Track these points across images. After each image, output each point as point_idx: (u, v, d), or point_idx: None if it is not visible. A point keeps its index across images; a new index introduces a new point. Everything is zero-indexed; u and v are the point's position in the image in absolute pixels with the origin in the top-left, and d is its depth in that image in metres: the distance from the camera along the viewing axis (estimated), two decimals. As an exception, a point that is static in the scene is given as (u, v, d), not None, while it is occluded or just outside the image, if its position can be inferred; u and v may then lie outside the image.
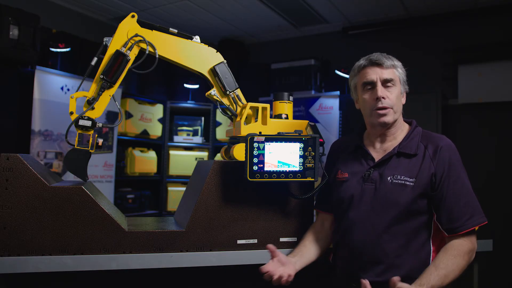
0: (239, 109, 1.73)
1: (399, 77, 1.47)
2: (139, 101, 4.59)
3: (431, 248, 1.39)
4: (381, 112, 1.43)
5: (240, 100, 1.73)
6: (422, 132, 1.49)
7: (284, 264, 1.39)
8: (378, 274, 1.38)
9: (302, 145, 1.44)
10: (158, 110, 4.80)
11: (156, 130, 4.78)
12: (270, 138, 1.43)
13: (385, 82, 1.44)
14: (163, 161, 4.86)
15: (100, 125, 1.58)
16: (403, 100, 1.51)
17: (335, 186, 1.54)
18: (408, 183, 1.38)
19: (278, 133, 1.48)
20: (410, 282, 1.30)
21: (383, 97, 1.42)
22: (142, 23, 1.61)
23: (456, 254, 1.32)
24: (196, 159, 4.94)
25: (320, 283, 1.53)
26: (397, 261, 1.36)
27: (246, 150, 1.41)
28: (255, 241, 1.56)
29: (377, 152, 1.50)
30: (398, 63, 1.49)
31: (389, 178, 1.41)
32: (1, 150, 1.40)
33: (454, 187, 1.37)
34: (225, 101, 1.72)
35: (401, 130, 1.50)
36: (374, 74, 1.44)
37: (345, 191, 1.49)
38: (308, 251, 1.51)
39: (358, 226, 1.43)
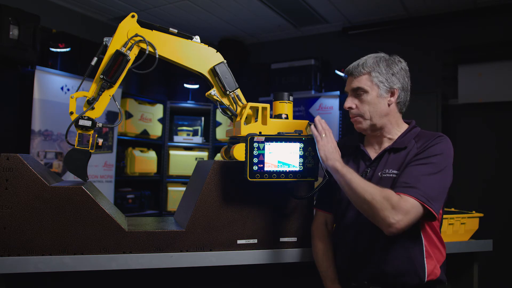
0: (239, 109, 1.73)
1: (374, 81, 1.45)
2: (139, 101, 4.59)
3: (422, 238, 1.38)
4: (352, 120, 1.50)
5: (240, 100, 1.73)
6: (419, 132, 1.49)
7: None
8: (376, 272, 1.38)
9: (302, 145, 1.44)
10: (158, 110, 4.80)
11: (156, 130, 4.78)
12: (270, 138, 1.42)
13: (354, 92, 1.48)
14: (163, 161, 4.86)
15: (100, 125, 1.58)
16: (393, 99, 1.46)
17: (335, 186, 1.55)
18: (394, 175, 1.39)
19: (278, 133, 1.48)
20: (405, 277, 1.34)
21: (349, 108, 1.49)
22: (142, 23, 1.61)
23: (384, 188, 1.27)
24: (196, 159, 4.94)
25: (319, 283, 1.53)
26: (392, 256, 1.37)
27: (246, 150, 1.41)
28: (255, 241, 1.56)
29: (375, 152, 1.52)
30: (372, 68, 1.45)
31: (379, 174, 1.43)
32: (1, 150, 1.41)
33: (417, 165, 1.33)
34: (225, 101, 1.72)
35: (397, 131, 1.50)
36: (347, 84, 1.52)
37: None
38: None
39: (356, 225, 1.44)
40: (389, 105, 1.47)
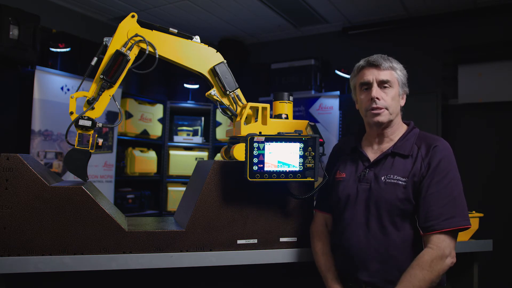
0: (239, 109, 1.73)
1: (398, 79, 1.47)
2: (139, 101, 4.59)
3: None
4: (375, 112, 1.45)
5: (240, 100, 1.73)
6: (418, 133, 1.50)
7: None
8: (373, 274, 1.39)
9: (302, 145, 1.44)
10: (158, 110, 4.80)
11: (156, 130, 4.78)
12: (270, 138, 1.43)
13: (381, 83, 1.45)
14: (163, 161, 4.86)
15: (100, 125, 1.58)
16: (402, 102, 1.51)
17: (333, 186, 1.55)
18: (400, 182, 1.39)
19: (278, 133, 1.48)
20: None
21: (377, 98, 1.44)
22: (142, 23, 1.61)
23: (414, 265, 1.30)
24: (196, 159, 4.94)
25: (319, 283, 1.53)
26: (391, 261, 1.37)
27: (246, 150, 1.41)
28: (255, 241, 1.56)
29: (374, 153, 1.51)
30: (398, 65, 1.49)
31: (383, 178, 1.42)
32: (1, 150, 1.41)
33: (438, 186, 1.35)
34: (225, 101, 1.72)
35: (398, 132, 1.51)
36: (371, 75, 1.46)
37: (342, 191, 1.50)
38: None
39: (354, 226, 1.44)
40: (400, 106, 1.51)
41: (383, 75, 1.45)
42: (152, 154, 4.74)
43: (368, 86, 1.47)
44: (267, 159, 1.42)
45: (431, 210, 1.34)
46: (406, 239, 1.38)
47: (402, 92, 1.50)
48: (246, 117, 1.69)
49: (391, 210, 1.38)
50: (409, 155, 1.43)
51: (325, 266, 1.51)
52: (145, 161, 4.63)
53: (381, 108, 1.44)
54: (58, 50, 3.81)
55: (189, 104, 4.99)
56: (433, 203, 1.34)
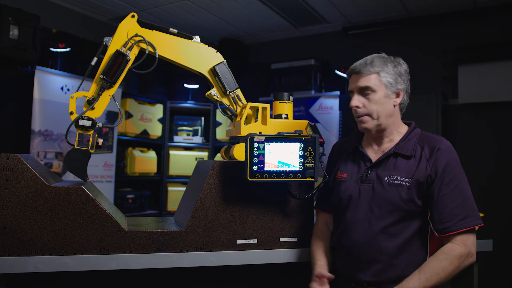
0: (239, 109, 1.73)
1: (382, 81, 1.43)
2: (139, 101, 4.59)
3: (428, 248, 1.40)
4: (358, 119, 1.47)
5: (240, 100, 1.73)
6: (420, 133, 1.49)
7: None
8: (375, 274, 1.39)
9: (302, 145, 1.44)
10: (158, 110, 4.80)
11: (156, 130, 4.78)
12: (270, 138, 1.43)
13: (362, 90, 1.45)
14: (163, 161, 4.86)
15: (100, 125, 1.58)
16: (398, 100, 1.47)
17: (334, 186, 1.55)
18: (404, 183, 1.39)
19: (278, 133, 1.48)
20: None
21: (356, 107, 1.45)
22: (142, 23, 1.61)
23: (443, 258, 1.31)
24: (196, 159, 4.94)
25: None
26: (394, 261, 1.37)
27: (246, 150, 1.41)
28: (255, 241, 1.56)
29: (375, 153, 1.51)
30: (383, 67, 1.44)
31: (386, 179, 1.42)
32: (1, 150, 1.41)
33: (448, 188, 1.36)
34: (225, 101, 1.72)
35: (398, 132, 1.50)
36: (353, 83, 1.48)
37: (343, 191, 1.50)
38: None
39: (356, 226, 1.44)
40: (394, 106, 1.47)
41: (362, 81, 1.44)
42: (152, 154, 4.74)
43: (352, 94, 1.49)
44: (267, 159, 1.42)
45: (445, 212, 1.34)
46: (408, 239, 1.38)
47: (392, 92, 1.45)
48: (246, 117, 1.69)
49: (394, 211, 1.38)
50: (411, 155, 1.42)
51: (318, 254, 1.52)
52: (145, 161, 4.63)
53: (362, 116, 1.45)
54: (58, 50, 3.81)
55: (189, 104, 5.00)
56: (446, 204, 1.35)
